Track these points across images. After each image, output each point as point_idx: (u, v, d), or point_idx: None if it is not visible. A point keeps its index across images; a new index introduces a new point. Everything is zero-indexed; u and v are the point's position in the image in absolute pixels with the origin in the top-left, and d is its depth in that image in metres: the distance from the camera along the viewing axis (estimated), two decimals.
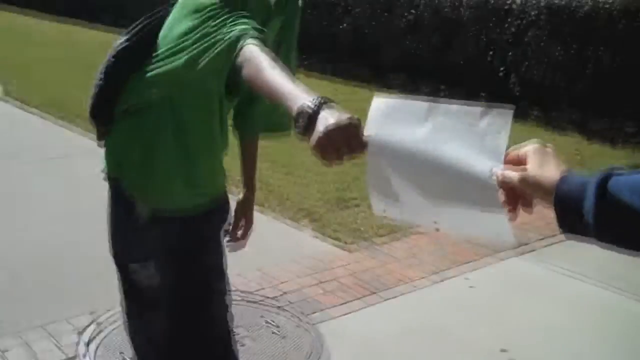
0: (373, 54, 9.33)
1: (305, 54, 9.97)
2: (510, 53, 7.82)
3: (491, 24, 7.91)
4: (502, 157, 1.24)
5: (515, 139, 1.24)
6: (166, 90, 1.94)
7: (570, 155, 6.18)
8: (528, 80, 7.68)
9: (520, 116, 7.50)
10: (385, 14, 9.05)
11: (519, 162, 1.22)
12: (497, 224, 1.28)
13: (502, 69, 7.90)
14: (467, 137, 1.28)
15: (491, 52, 7.97)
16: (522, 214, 1.26)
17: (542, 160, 1.19)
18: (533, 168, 1.19)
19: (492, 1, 7.91)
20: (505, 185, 1.22)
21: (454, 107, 1.32)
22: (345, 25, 9.51)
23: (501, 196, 1.24)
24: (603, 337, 3.49)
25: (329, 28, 9.73)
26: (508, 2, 7.77)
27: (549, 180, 1.16)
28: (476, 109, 1.29)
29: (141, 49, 1.95)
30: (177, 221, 2.11)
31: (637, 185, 1.07)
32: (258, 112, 2.25)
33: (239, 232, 2.44)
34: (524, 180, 1.19)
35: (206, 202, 2.15)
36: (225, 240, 2.42)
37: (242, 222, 2.43)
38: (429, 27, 8.57)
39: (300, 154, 5.80)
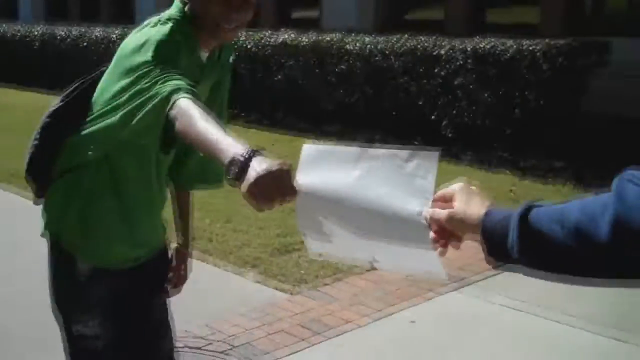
0: (309, 106, 9.47)
1: (243, 108, 10.09)
2: (440, 99, 8.04)
3: (421, 71, 8.13)
4: (431, 197, 1.31)
5: (450, 180, 1.31)
6: (102, 148, 1.95)
7: (505, 193, 6.34)
8: (459, 124, 7.89)
9: (454, 158, 7.70)
10: (318, 67, 9.21)
11: (447, 200, 1.29)
12: (428, 260, 1.34)
13: (433, 114, 8.10)
14: (396, 180, 1.34)
15: (422, 99, 8.18)
16: (457, 250, 1.33)
17: (468, 197, 1.26)
18: (459, 206, 1.26)
19: (421, 49, 8.15)
20: (435, 223, 1.29)
21: (382, 152, 1.38)
22: (279, 77, 9.65)
23: (432, 234, 1.31)
24: None
25: (264, 81, 9.85)
26: (436, 49, 8.01)
27: (474, 216, 1.24)
28: (403, 153, 1.35)
29: (76, 109, 1.97)
30: (120, 276, 2.10)
31: (555, 215, 1.14)
32: (193, 164, 2.27)
33: (176, 281, 2.42)
34: (451, 219, 1.26)
35: (147, 255, 2.16)
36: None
37: (173, 276, 2.41)
38: (361, 76, 8.75)
39: (239, 204, 5.84)
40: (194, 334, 3.86)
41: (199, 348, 3.73)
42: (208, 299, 4.33)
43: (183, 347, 3.71)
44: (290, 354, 3.67)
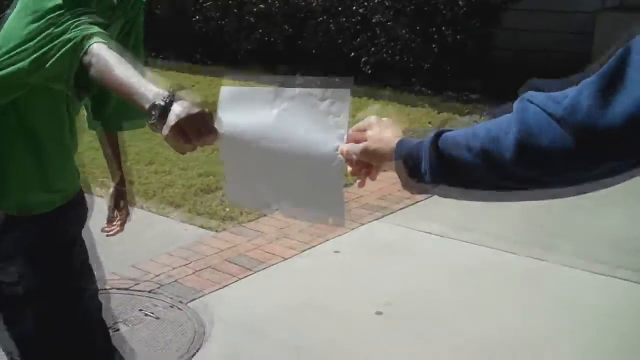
0: (228, 46, 9.36)
1: (160, 50, 9.88)
2: (359, 36, 8.06)
3: (339, 9, 8.13)
4: (345, 133, 1.35)
5: (370, 115, 1.35)
6: (11, 94, 1.89)
7: (424, 125, 6.48)
8: (378, 60, 7.96)
9: (374, 94, 7.78)
10: (236, 6, 9.09)
11: (361, 135, 1.33)
12: (333, 205, 1.39)
13: (353, 52, 8.13)
14: (312, 118, 1.37)
15: (341, 37, 8.19)
16: (374, 181, 1.39)
17: (381, 129, 1.31)
18: (373, 138, 1.30)
19: None
20: (351, 157, 1.33)
21: (297, 91, 1.40)
22: (197, 17, 9.48)
23: (349, 167, 1.35)
24: (471, 289, 3.70)
25: (181, 22, 9.66)
26: None
27: (387, 146, 1.28)
28: (318, 91, 1.38)
29: None
30: (35, 222, 2.07)
31: (463, 139, 1.18)
32: (115, 104, 2.24)
33: (115, 224, 2.45)
34: (365, 151, 1.31)
35: (62, 200, 2.14)
36: (101, 231, 2.45)
37: (116, 214, 2.44)
38: (280, 15, 8.68)
39: (161, 146, 5.79)
40: (121, 275, 3.87)
41: (127, 289, 3.74)
42: (133, 241, 4.32)
43: (110, 289, 3.72)
44: (218, 289, 3.72)
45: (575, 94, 1.02)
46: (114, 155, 2.40)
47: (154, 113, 1.39)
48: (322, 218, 1.45)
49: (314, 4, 8.31)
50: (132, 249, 4.19)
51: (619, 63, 0.98)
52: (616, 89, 0.97)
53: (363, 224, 4.47)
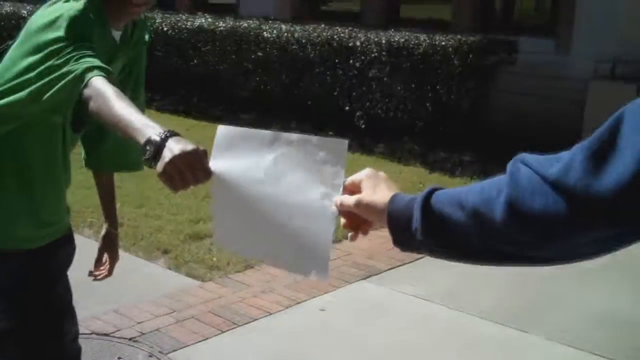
0: (225, 92, 9.42)
1: (157, 92, 9.94)
2: (355, 90, 8.15)
3: (336, 62, 8.22)
4: (341, 185, 1.34)
5: (361, 170, 1.34)
6: (7, 125, 1.89)
7: (414, 185, 6.50)
8: (372, 115, 8.03)
9: (366, 150, 7.83)
10: (234, 53, 9.18)
11: (355, 187, 1.33)
12: (319, 260, 1.37)
13: (348, 105, 8.21)
14: (308, 167, 1.36)
15: (337, 89, 8.27)
16: (365, 236, 1.38)
17: (375, 184, 1.30)
18: (366, 192, 1.29)
19: (337, 39, 8.23)
20: (344, 210, 1.33)
21: (296, 137, 1.39)
22: (195, 62, 9.56)
23: (342, 220, 1.34)
24: (454, 357, 3.68)
25: (179, 66, 9.74)
26: (351, 40, 8.11)
27: (380, 201, 1.26)
28: (315, 139, 1.37)
29: None
30: (24, 258, 2.07)
31: (455, 198, 1.16)
32: (110, 145, 2.25)
33: (104, 268, 2.45)
34: (358, 204, 1.29)
35: (51, 237, 2.14)
36: (88, 275, 2.44)
37: (106, 258, 2.45)
38: (277, 64, 8.77)
39: (153, 189, 5.79)
40: (103, 319, 3.83)
41: (107, 334, 3.70)
42: (117, 285, 4.27)
43: (90, 334, 3.68)
44: (200, 341, 3.69)
45: (569, 158, 1.01)
46: (109, 196, 2.41)
47: (148, 148, 1.39)
48: (306, 271, 1.40)
49: (312, 55, 8.41)
50: (116, 292, 4.15)
51: (611, 131, 0.98)
52: (608, 157, 0.97)
53: (350, 283, 4.46)
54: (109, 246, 2.44)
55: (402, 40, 7.72)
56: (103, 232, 2.43)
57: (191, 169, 1.36)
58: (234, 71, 9.21)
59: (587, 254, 1.10)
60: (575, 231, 1.03)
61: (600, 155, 0.97)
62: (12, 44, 1.92)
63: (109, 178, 2.40)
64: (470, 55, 7.33)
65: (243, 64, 9.09)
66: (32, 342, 2.12)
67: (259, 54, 8.90)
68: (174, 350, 3.57)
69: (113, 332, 3.72)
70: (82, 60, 1.68)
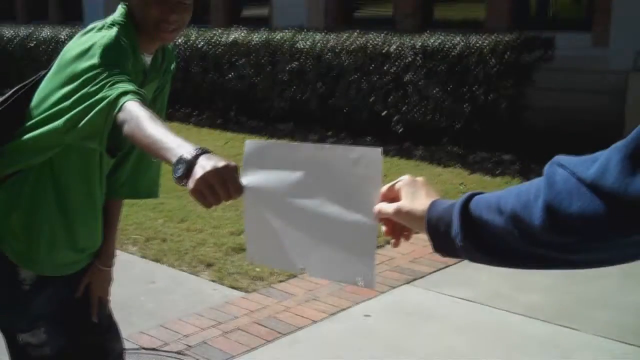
0: (261, 104, 9.48)
1: (195, 108, 10.06)
2: (391, 96, 8.12)
3: (371, 68, 8.21)
4: (379, 193, 1.34)
5: (402, 175, 1.35)
6: (46, 153, 1.92)
7: (455, 187, 6.46)
8: (410, 119, 8.00)
9: (405, 154, 7.80)
10: (269, 65, 9.23)
11: (393, 194, 1.32)
12: (364, 267, 1.36)
13: (384, 111, 8.19)
14: (343, 179, 1.35)
15: (373, 96, 8.26)
16: (408, 241, 1.38)
17: (414, 191, 1.30)
18: (406, 199, 1.29)
19: (371, 46, 8.22)
20: (384, 218, 1.33)
21: (327, 150, 1.39)
22: (231, 76, 9.64)
23: (383, 228, 1.35)
24: (502, 357, 3.63)
25: (216, 80, 9.83)
26: (385, 46, 8.09)
27: (420, 208, 1.26)
28: (348, 150, 1.36)
29: (14, 115, 1.93)
30: (64, 282, 2.11)
31: (494, 203, 1.16)
32: (125, 173, 2.25)
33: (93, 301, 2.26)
34: (398, 212, 1.29)
35: (89, 259, 2.18)
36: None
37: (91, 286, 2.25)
38: (312, 74, 8.79)
39: (193, 204, 5.84)
40: (150, 334, 3.87)
41: (155, 349, 3.73)
42: (163, 300, 4.34)
43: (139, 349, 3.72)
44: (246, 351, 3.70)
45: (605, 159, 0.99)
46: (111, 224, 2.28)
47: (180, 167, 1.40)
48: (352, 279, 1.40)
49: (346, 63, 8.41)
50: (161, 308, 4.20)
51: None
52: None
53: (394, 288, 4.44)
54: (104, 285, 2.26)
55: (437, 43, 7.68)
56: (96, 268, 2.23)
57: (223, 185, 1.36)
58: (269, 83, 9.26)
59: (628, 257, 1.08)
60: (614, 233, 1.01)
61: (637, 155, 0.96)
62: (44, 74, 1.96)
63: (117, 205, 2.31)
64: (507, 54, 7.26)
65: (278, 76, 9.14)
66: None
67: (294, 64, 8.94)
68: None
69: (160, 346, 3.75)
70: (116, 86, 1.70)
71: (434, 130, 7.83)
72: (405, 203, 1.29)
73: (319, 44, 8.71)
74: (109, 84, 1.70)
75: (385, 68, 8.08)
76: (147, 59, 2.03)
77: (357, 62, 8.32)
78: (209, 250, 5.11)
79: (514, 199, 1.11)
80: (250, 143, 1.46)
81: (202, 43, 9.88)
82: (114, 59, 1.79)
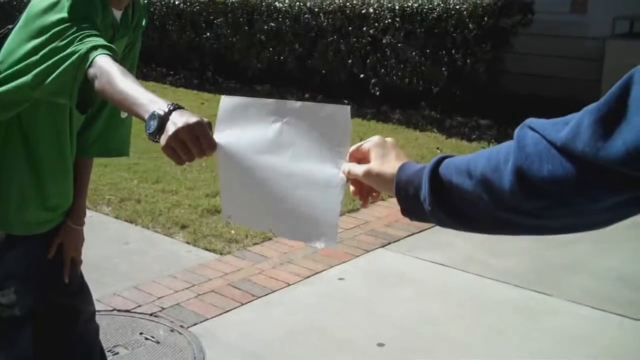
0: (238, 64, 9.39)
1: (171, 67, 9.93)
2: (369, 58, 8.07)
3: (350, 30, 8.14)
4: (347, 152, 1.31)
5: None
6: (14, 109, 1.87)
7: (432, 150, 6.47)
8: (388, 82, 7.96)
9: (382, 117, 7.79)
10: (247, 24, 9.12)
11: (362, 155, 1.30)
12: (327, 227, 1.35)
13: (362, 73, 8.15)
14: (312, 134, 1.33)
15: (351, 58, 8.20)
16: (376, 201, 1.36)
17: (383, 153, 1.26)
18: (375, 161, 1.26)
19: (349, 7, 8.14)
20: (352, 179, 1.30)
21: (299, 104, 1.37)
22: (208, 35, 9.52)
23: (351, 188, 1.32)
24: (475, 322, 3.67)
25: (192, 39, 9.71)
26: (364, 7, 8.02)
27: (389, 172, 1.23)
28: (318, 107, 1.35)
29: None
30: (34, 241, 2.08)
31: (464, 166, 1.12)
32: (96, 131, 2.21)
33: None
34: (368, 174, 1.26)
35: (60, 218, 2.14)
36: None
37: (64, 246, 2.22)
38: (290, 35, 8.71)
39: (168, 165, 5.81)
40: (123, 296, 3.86)
41: (128, 310, 3.73)
42: (137, 261, 4.33)
43: (112, 310, 3.71)
44: (220, 314, 3.70)
45: (576, 122, 0.96)
46: (81, 183, 2.24)
47: (152, 123, 1.38)
48: (314, 238, 1.38)
49: (325, 24, 8.33)
50: (135, 269, 4.19)
51: (621, 92, 0.93)
52: (617, 119, 0.92)
53: (368, 251, 4.45)
54: (68, 243, 2.21)
55: (416, 5, 7.62)
56: (67, 226, 2.20)
57: (195, 141, 1.34)
58: (247, 43, 9.16)
59: (599, 223, 1.05)
60: (584, 197, 0.99)
61: (609, 119, 0.93)
62: (12, 28, 1.90)
63: (87, 162, 2.27)
64: (486, 18, 7.22)
65: (256, 36, 9.04)
66: (46, 325, 2.13)
67: (272, 24, 8.83)
68: (195, 324, 3.59)
69: (134, 308, 3.75)
70: (86, 40, 1.65)
71: (411, 93, 7.81)
72: (374, 165, 1.25)
73: (297, 4, 8.60)
74: (79, 38, 1.66)
75: (363, 30, 8.01)
76: (117, 14, 1.98)
77: (336, 24, 8.24)
78: (183, 212, 5.08)
79: (484, 163, 1.08)
80: (226, 99, 1.44)
81: (178, 1, 9.72)
82: (83, 12, 1.74)
